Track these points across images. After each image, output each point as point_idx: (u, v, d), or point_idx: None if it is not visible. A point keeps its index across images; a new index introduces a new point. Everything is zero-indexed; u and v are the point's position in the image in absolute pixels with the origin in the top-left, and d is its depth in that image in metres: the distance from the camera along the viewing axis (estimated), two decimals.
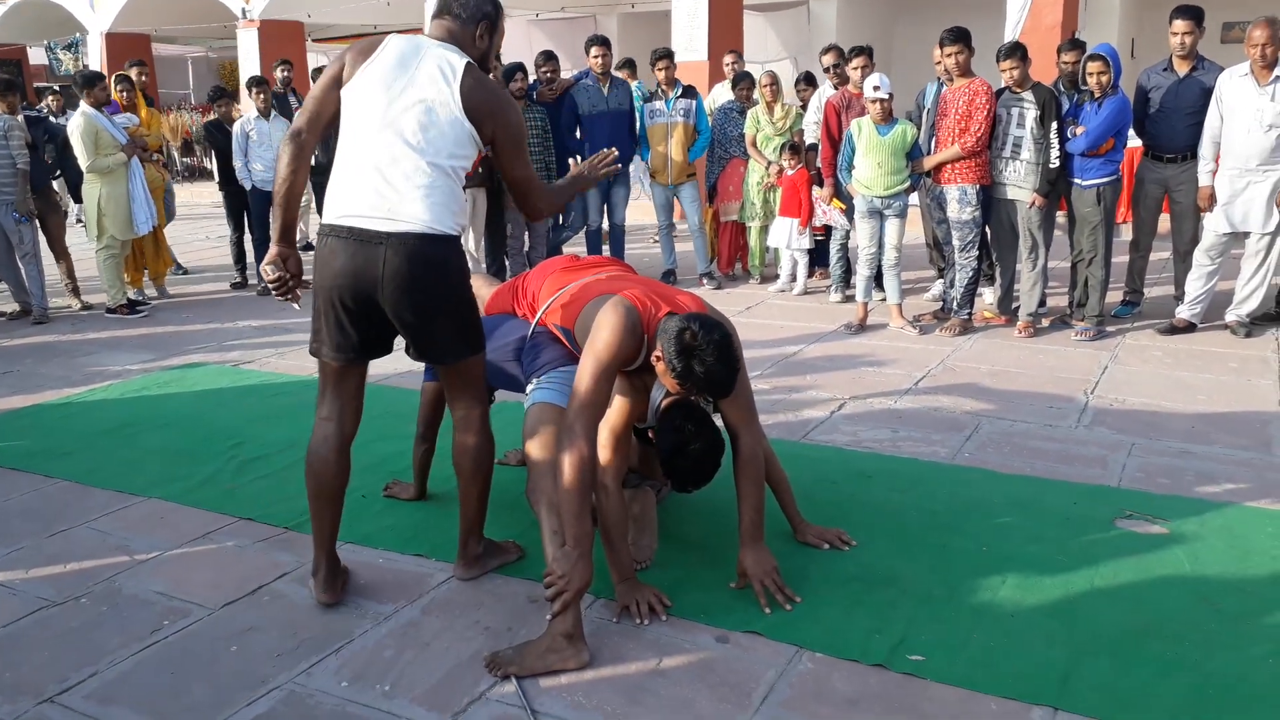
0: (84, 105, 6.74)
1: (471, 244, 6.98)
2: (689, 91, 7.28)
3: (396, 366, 5.39)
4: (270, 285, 2.72)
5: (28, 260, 6.86)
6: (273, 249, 2.72)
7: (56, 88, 13.30)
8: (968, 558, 3.06)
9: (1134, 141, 6.15)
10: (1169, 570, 2.96)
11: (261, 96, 7.68)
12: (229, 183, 7.90)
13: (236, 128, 7.64)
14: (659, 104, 7.22)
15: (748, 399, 2.91)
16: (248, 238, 8.01)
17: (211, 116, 8.23)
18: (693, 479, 2.83)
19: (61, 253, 7.42)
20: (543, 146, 7.00)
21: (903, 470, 3.80)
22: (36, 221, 6.99)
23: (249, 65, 14.85)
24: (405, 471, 3.69)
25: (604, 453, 2.79)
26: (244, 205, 7.84)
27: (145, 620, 2.80)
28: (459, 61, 2.65)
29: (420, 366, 3.56)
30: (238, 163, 7.62)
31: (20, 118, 6.99)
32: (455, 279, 2.72)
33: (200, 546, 3.28)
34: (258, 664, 2.57)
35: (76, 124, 6.69)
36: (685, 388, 2.68)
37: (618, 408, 2.86)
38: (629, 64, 8.93)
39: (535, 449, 2.84)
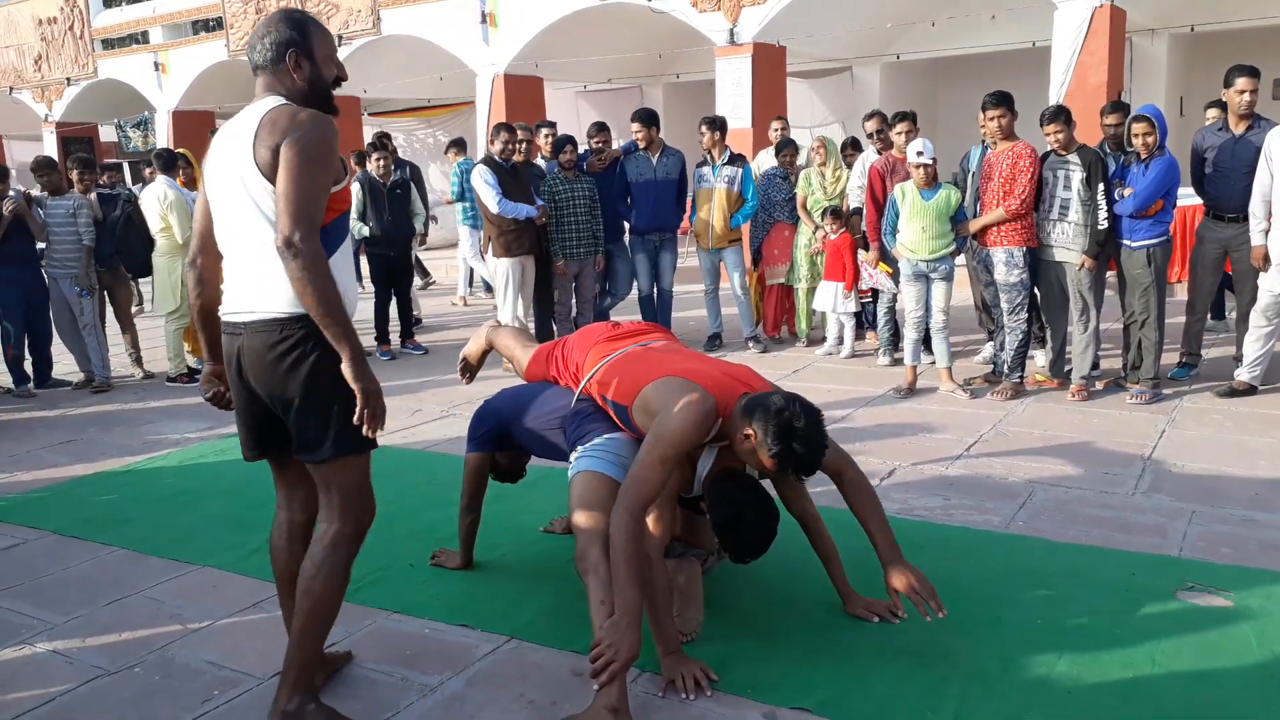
0: (167, 180, 7.04)
1: (520, 310, 7.08)
2: (736, 159, 7.37)
3: (445, 434, 5.46)
4: (209, 401, 2.78)
5: (89, 331, 7.12)
6: (206, 367, 2.78)
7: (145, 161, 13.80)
8: (1022, 631, 2.98)
9: (1188, 200, 6.08)
10: (1234, 645, 2.85)
11: None
12: None
13: None
14: (705, 169, 7.33)
15: (836, 447, 3.00)
16: None
17: None
18: (750, 550, 2.82)
19: (128, 324, 7.67)
20: (590, 216, 7.11)
21: (954, 539, 3.73)
22: (98, 294, 7.26)
23: None
24: (451, 539, 3.70)
25: (648, 523, 2.79)
26: None
27: (196, 690, 2.83)
28: (257, 115, 2.43)
29: (463, 432, 3.61)
30: None
31: (93, 195, 7.30)
32: (306, 364, 2.43)
33: (251, 615, 3.31)
34: None
35: (169, 200, 6.95)
36: (780, 466, 2.73)
37: None
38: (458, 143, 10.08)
39: (582, 519, 2.84)
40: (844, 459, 3.03)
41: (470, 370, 3.91)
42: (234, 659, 3.01)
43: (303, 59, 2.51)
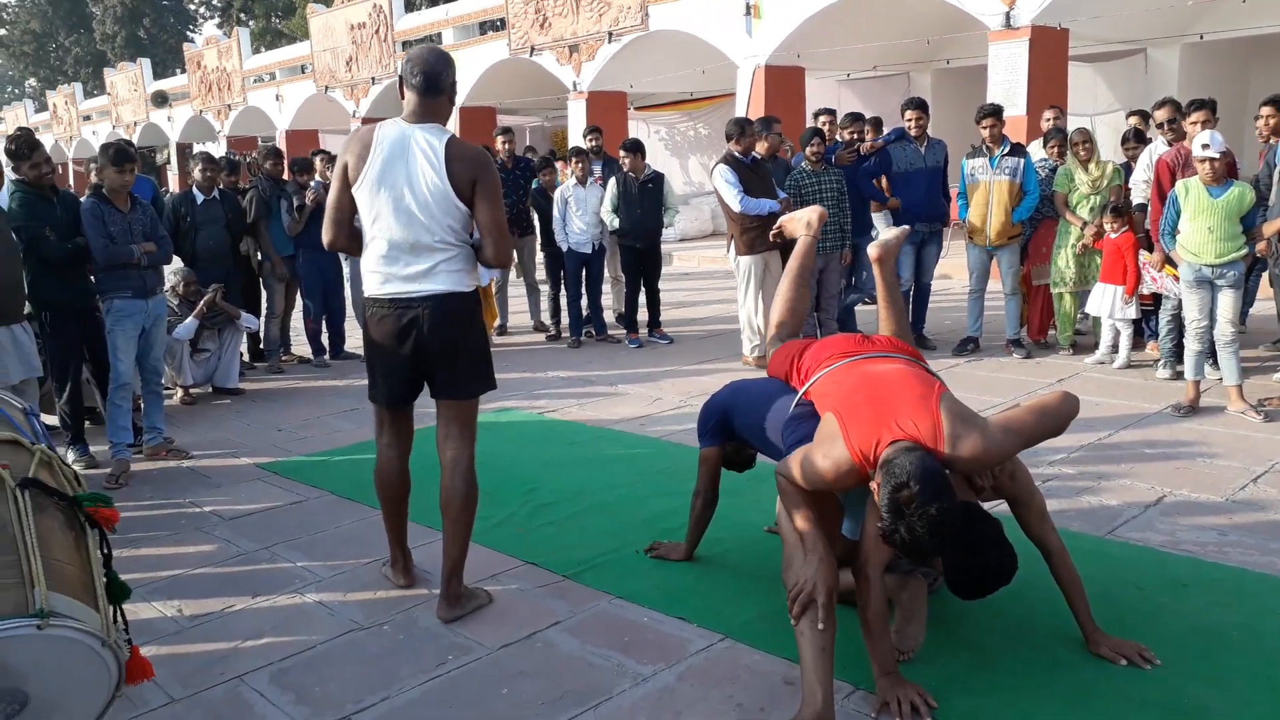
0: None
1: (760, 308, 6.99)
2: (1017, 150, 6.92)
3: (681, 424, 5.55)
4: None
5: None
6: None
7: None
8: None
9: None
10: None
11: (580, 165, 8.23)
12: (549, 244, 8.54)
13: (557, 194, 8.25)
14: (980, 161, 6.93)
15: (1042, 510, 2.91)
16: (564, 295, 8.62)
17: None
18: (980, 594, 2.67)
19: None
20: (838, 209, 6.92)
21: (1227, 581, 3.33)
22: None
23: (577, 133, 16.08)
24: (676, 531, 3.75)
25: (868, 541, 2.69)
26: (561, 265, 8.45)
27: (433, 653, 3.06)
28: (438, 139, 3.16)
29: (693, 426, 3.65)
30: (556, 226, 8.22)
31: None
32: (474, 323, 3.36)
33: (488, 587, 3.52)
34: (523, 710, 2.72)
35: None
36: (886, 541, 2.58)
37: None
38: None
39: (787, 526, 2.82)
40: (1048, 524, 2.90)
41: (781, 238, 4.15)
42: (468, 627, 3.22)
43: (454, 97, 3.35)
